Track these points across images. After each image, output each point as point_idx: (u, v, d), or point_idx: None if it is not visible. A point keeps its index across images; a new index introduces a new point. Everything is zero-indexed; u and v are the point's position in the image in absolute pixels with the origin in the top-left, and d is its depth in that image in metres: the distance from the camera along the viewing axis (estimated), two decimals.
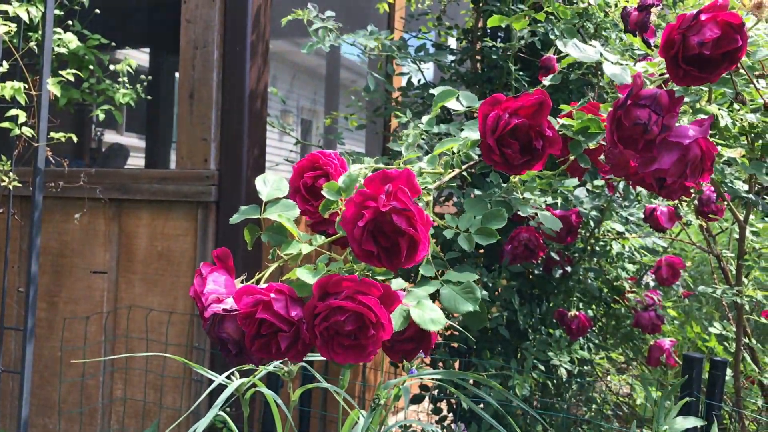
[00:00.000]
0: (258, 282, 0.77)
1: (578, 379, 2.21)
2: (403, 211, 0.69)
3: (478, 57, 2.18)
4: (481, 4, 2.09)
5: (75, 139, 1.75)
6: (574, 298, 2.06)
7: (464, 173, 0.94)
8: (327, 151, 0.86)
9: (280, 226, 0.77)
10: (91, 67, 1.98)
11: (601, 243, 2.06)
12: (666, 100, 0.80)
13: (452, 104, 0.97)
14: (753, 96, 0.99)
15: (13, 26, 1.60)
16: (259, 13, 2.14)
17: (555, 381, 2.00)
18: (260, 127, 2.16)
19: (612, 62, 0.87)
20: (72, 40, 1.87)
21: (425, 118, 0.95)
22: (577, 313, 1.97)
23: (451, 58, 2.18)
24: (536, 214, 0.90)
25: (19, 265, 2.29)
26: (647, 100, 0.80)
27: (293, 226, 0.78)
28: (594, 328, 2.19)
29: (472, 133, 0.90)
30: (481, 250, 2.07)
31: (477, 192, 0.92)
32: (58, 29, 1.83)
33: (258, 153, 2.15)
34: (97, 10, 1.96)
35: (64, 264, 2.27)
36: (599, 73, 1.80)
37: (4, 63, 1.59)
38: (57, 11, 1.89)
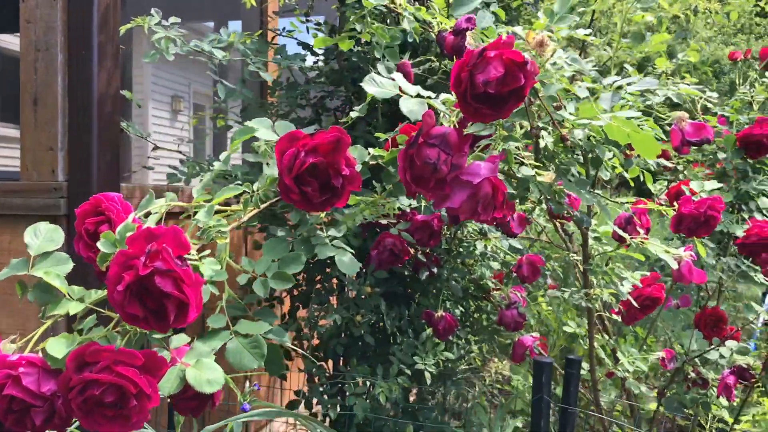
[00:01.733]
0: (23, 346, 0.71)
1: (452, 378, 2.25)
2: (168, 273, 0.65)
3: (344, 58, 2.15)
4: (343, 3, 2.05)
5: None
6: (442, 298, 2.08)
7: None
8: (111, 194, 0.81)
9: (47, 285, 0.71)
10: None
11: (465, 244, 2.08)
12: (455, 139, 0.79)
13: (267, 135, 0.93)
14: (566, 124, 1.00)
15: None
16: (107, 14, 2.02)
17: (421, 384, 2.01)
18: (113, 133, 2.05)
19: (411, 95, 0.85)
20: None
21: (223, 155, 0.90)
22: (443, 313, 1.98)
23: (313, 59, 2.14)
24: (340, 251, 0.87)
25: None
26: (436, 139, 0.79)
27: (63, 282, 0.72)
28: (466, 326, 2.22)
29: (274, 170, 0.87)
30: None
31: (280, 232, 0.88)
32: None
33: (110, 159, 2.04)
34: None
35: None
36: None
37: None
38: None
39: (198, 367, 0.70)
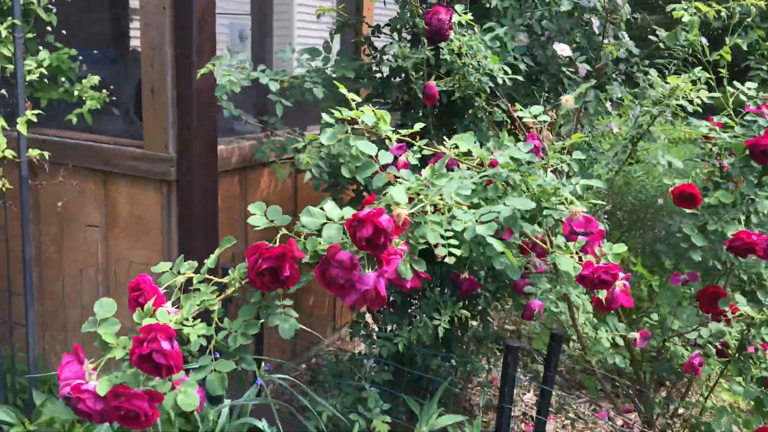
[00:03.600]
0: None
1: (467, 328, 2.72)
2: (160, 352, 1.17)
3: None
4: None
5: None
6: (468, 263, 2.50)
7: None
8: (146, 278, 1.32)
9: (105, 340, 1.25)
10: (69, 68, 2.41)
11: None
12: (348, 263, 1.22)
13: (258, 221, 1.40)
14: None
15: None
16: (203, 17, 2.48)
17: (436, 334, 2.48)
18: (210, 116, 2.56)
19: (335, 221, 1.28)
20: (45, 58, 2.29)
21: (210, 259, 1.38)
22: (467, 275, 2.42)
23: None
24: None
25: (33, 224, 2.86)
26: (336, 263, 1.22)
27: (114, 339, 1.26)
28: (488, 287, 2.64)
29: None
30: None
31: (253, 299, 1.35)
32: (37, 54, 2.24)
33: (207, 138, 2.57)
34: (63, 31, 2.35)
35: (66, 218, 2.83)
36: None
37: None
38: (29, 35, 2.30)
39: (185, 394, 1.23)
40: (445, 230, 1.26)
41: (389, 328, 2.63)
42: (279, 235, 1.34)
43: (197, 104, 2.50)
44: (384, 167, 1.40)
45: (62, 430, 2.13)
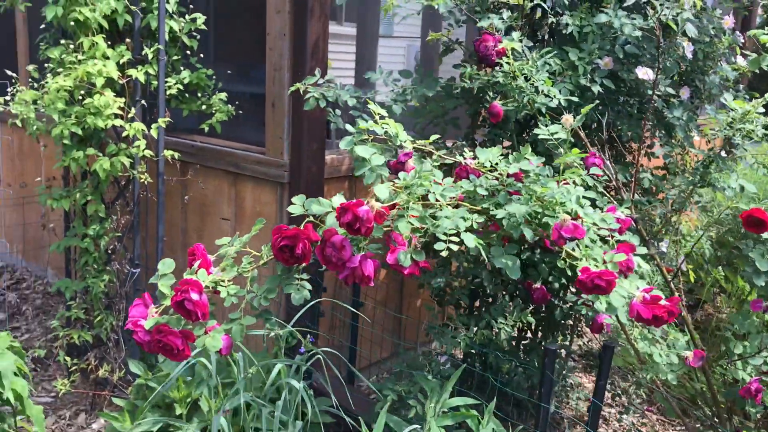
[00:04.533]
0: None
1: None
2: (190, 301, 1.51)
3: None
4: None
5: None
6: (544, 276, 2.65)
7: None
8: (200, 247, 1.69)
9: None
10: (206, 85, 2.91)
11: None
12: (339, 244, 1.49)
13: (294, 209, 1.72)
14: None
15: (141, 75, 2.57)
16: (317, 43, 2.87)
17: (497, 337, 2.63)
18: (318, 129, 2.94)
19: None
20: (186, 76, 2.81)
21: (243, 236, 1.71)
22: (539, 285, 2.58)
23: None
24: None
25: (181, 215, 3.42)
26: (330, 244, 1.50)
27: (168, 289, 1.63)
28: (561, 298, 2.74)
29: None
30: None
31: (280, 271, 1.65)
32: (179, 73, 2.76)
33: (316, 147, 2.95)
34: (201, 54, 2.86)
35: (205, 210, 3.35)
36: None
37: (133, 109, 2.58)
38: (175, 56, 2.83)
39: (212, 338, 1.57)
40: (424, 224, 1.49)
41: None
42: (305, 222, 1.64)
43: (307, 118, 2.89)
44: (398, 166, 1.67)
45: (174, 384, 2.59)
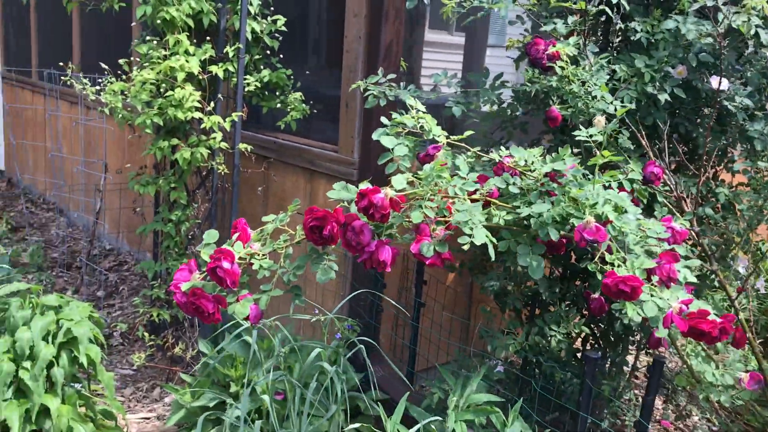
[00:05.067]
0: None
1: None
2: (221, 269, 1.63)
3: None
4: None
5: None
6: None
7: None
8: (243, 221, 1.80)
9: None
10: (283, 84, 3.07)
11: None
12: (359, 228, 1.56)
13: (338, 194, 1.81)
14: None
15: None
16: (390, 47, 2.96)
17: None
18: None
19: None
20: (266, 75, 2.97)
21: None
22: (598, 296, 2.54)
23: None
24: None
25: (261, 207, 3.60)
26: (352, 229, 1.57)
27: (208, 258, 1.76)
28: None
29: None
30: None
31: (311, 251, 1.74)
32: (258, 74, 2.93)
33: (383, 147, 3.03)
34: (281, 55, 3.02)
35: (283, 204, 3.51)
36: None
37: (211, 103, 2.77)
38: (257, 55, 3.00)
39: (241, 306, 1.68)
40: (440, 216, 1.53)
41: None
42: (338, 206, 1.73)
43: (376, 118, 2.98)
44: (426, 159, 1.72)
45: (230, 359, 2.74)
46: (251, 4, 2.83)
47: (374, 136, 1.78)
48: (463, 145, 1.83)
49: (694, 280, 1.97)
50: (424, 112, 1.81)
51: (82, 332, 2.52)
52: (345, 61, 3.08)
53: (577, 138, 1.85)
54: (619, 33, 2.53)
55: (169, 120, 2.72)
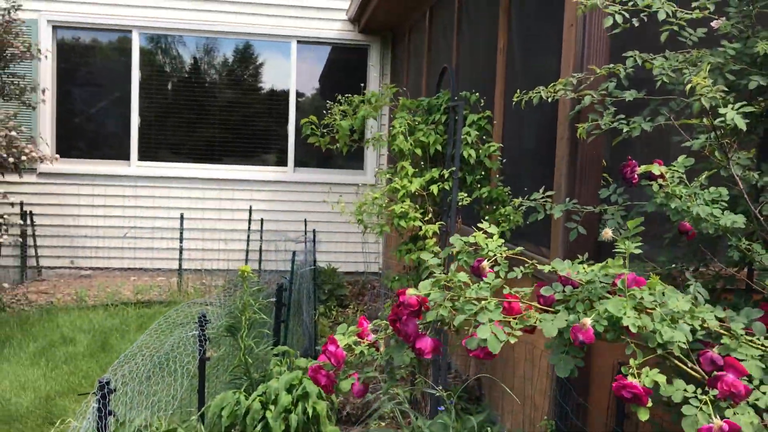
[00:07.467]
0: None
1: None
2: (330, 351, 2.20)
3: None
4: None
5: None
6: None
7: None
8: (363, 317, 2.35)
9: None
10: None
11: None
12: (405, 320, 1.97)
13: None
14: None
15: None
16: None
17: None
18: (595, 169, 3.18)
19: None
20: (485, 192, 3.49)
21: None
22: None
23: None
24: None
25: None
26: (404, 323, 1.99)
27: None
28: None
29: None
30: None
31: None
32: (480, 189, 3.47)
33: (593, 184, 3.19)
34: (498, 175, 3.50)
35: None
36: None
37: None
38: (479, 175, 3.54)
39: (346, 382, 2.21)
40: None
41: None
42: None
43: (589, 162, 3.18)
44: (474, 270, 2.06)
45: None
46: (469, 135, 3.41)
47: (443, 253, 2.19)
48: (518, 257, 2.13)
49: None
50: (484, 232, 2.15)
51: (313, 389, 3.28)
52: (555, 180, 3.40)
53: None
54: None
55: (396, 227, 3.42)
